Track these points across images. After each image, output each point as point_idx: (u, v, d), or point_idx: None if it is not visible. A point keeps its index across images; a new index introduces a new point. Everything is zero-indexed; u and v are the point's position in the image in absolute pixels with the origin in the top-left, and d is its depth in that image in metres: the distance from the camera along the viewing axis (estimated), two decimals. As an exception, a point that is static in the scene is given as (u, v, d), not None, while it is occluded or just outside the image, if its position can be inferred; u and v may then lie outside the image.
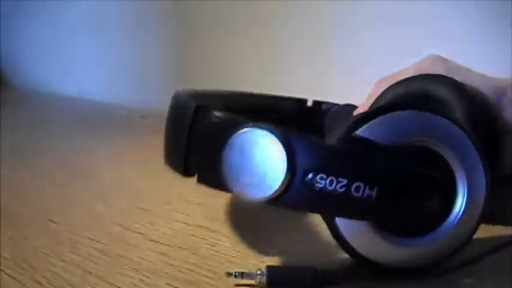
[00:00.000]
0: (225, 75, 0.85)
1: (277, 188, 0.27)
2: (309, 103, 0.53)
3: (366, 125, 0.28)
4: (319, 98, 0.53)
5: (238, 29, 0.82)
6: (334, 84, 0.70)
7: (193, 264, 0.33)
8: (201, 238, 0.37)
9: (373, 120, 0.28)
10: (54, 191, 0.50)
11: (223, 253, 0.34)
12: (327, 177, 0.27)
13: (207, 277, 0.31)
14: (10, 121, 0.89)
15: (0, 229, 0.40)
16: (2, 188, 0.50)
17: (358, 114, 0.29)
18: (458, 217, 0.29)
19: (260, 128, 0.27)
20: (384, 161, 0.28)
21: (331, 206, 0.28)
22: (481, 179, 0.30)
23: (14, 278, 0.32)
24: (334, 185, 0.27)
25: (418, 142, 0.29)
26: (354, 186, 0.27)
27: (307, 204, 0.28)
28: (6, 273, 0.33)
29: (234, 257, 0.33)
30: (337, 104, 0.51)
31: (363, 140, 0.28)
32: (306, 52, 0.74)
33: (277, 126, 0.27)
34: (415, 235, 0.29)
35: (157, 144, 0.41)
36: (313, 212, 0.30)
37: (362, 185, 0.27)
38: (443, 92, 0.37)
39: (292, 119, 0.52)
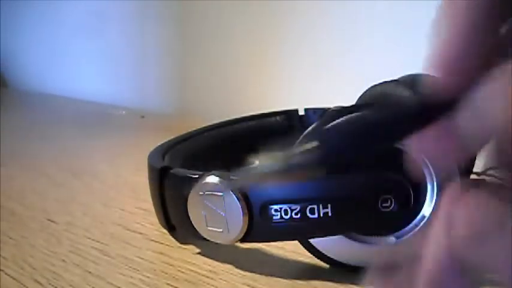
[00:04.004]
0: (225, 75, 0.85)
1: (240, 229, 0.29)
2: (301, 112, 0.52)
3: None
4: (321, 103, 0.52)
5: (238, 29, 0.82)
6: (336, 90, 0.70)
7: (193, 264, 0.33)
8: (201, 238, 0.37)
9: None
10: (54, 191, 0.50)
11: (224, 253, 0.34)
12: (280, 208, 0.28)
13: (207, 277, 0.31)
14: (10, 121, 0.89)
15: (0, 229, 0.40)
16: (2, 188, 0.50)
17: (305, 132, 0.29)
18: (427, 216, 0.29)
19: (208, 179, 0.30)
20: (328, 177, 0.28)
21: (294, 233, 0.29)
22: (454, 176, 0.29)
23: (14, 278, 0.32)
24: (289, 214, 0.28)
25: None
26: (308, 209, 0.28)
27: (273, 236, 0.30)
28: (6, 273, 0.33)
29: (235, 257, 0.33)
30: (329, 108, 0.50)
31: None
32: (307, 54, 0.74)
33: (225, 171, 0.30)
34: (384, 235, 0.29)
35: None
36: (281, 241, 0.31)
37: (315, 206, 0.28)
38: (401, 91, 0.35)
39: (285, 133, 0.51)
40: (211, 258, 0.33)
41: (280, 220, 0.28)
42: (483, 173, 0.39)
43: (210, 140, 0.47)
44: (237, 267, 0.32)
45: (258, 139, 0.51)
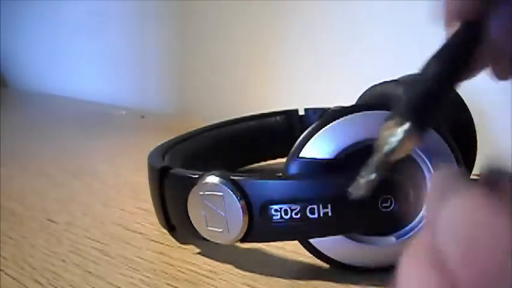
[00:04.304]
0: (225, 75, 0.85)
1: (240, 229, 0.29)
2: (301, 112, 0.52)
3: (312, 140, 0.29)
4: (321, 103, 0.52)
5: (238, 29, 0.82)
6: (336, 90, 0.70)
7: (193, 264, 0.33)
8: (201, 238, 0.37)
9: (319, 133, 0.29)
10: (54, 191, 0.50)
11: (224, 253, 0.34)
12: (280, 208, 0.28)
13: (207, 277, 0.31)
14: (10, 121, 0.89)
15: (0, 229, 0.40)
16: (2, 188, 0.50)
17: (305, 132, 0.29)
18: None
19: (208, 179, 0.30)
20: (328, 177, 0.28)
21: (294, 233, 0.29)
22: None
23: (14, 278, 0.32)
24: (289, 214, 0.28)
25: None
26: (308, 209, 0.28)
27: (273, 236, 0.30)
28: (6, 273, 0.33)
29: (235, 257, 0.33)
30: (329, 108, 0.50)
31: (306, 161, 0.29)
32: (307, 54, 0.74)
33: (225, 171, 0.30)
34: (384, 234, 0.29)
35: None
36: (281, 241, 0.31)
37: (315, 206, 0.28)
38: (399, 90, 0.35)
39: (285, 133, 0.51)
40: (211, 258, 0.33)
41: (280, 220, 0.28)
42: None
43: (210, 140, 0.47)
44: (237, 267, 0.32)
45: (258, 139, 0.51)
